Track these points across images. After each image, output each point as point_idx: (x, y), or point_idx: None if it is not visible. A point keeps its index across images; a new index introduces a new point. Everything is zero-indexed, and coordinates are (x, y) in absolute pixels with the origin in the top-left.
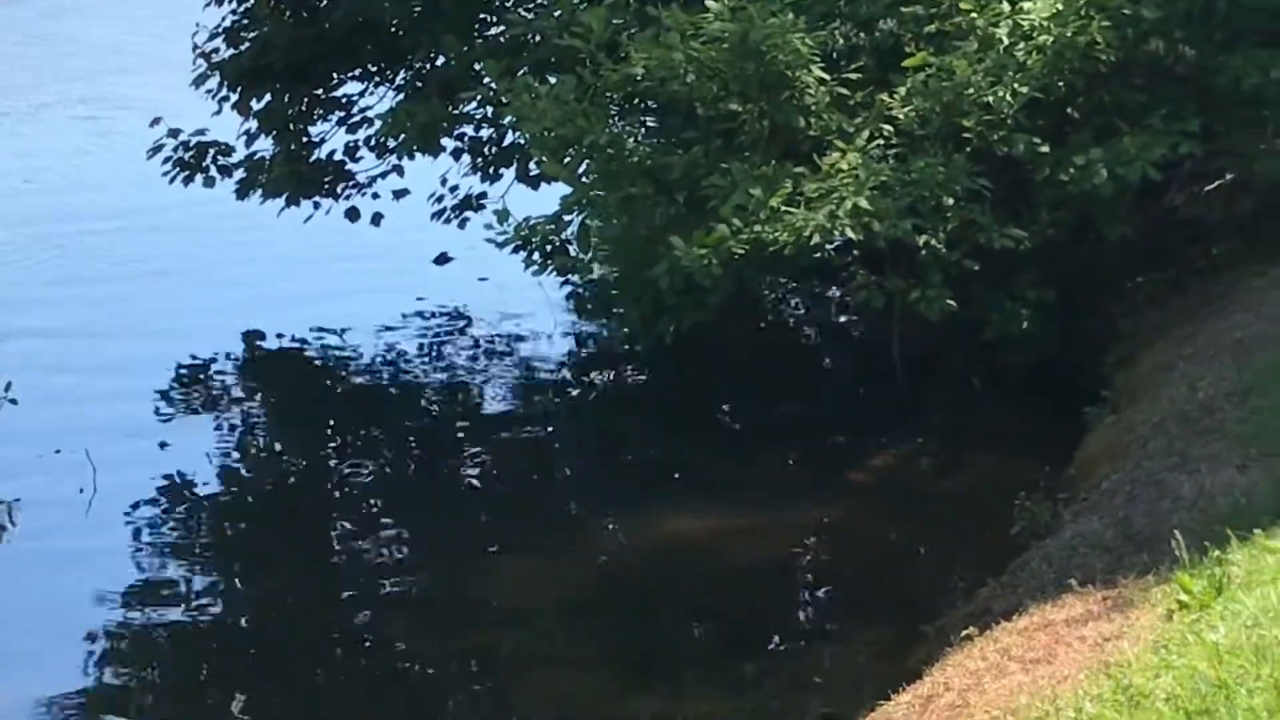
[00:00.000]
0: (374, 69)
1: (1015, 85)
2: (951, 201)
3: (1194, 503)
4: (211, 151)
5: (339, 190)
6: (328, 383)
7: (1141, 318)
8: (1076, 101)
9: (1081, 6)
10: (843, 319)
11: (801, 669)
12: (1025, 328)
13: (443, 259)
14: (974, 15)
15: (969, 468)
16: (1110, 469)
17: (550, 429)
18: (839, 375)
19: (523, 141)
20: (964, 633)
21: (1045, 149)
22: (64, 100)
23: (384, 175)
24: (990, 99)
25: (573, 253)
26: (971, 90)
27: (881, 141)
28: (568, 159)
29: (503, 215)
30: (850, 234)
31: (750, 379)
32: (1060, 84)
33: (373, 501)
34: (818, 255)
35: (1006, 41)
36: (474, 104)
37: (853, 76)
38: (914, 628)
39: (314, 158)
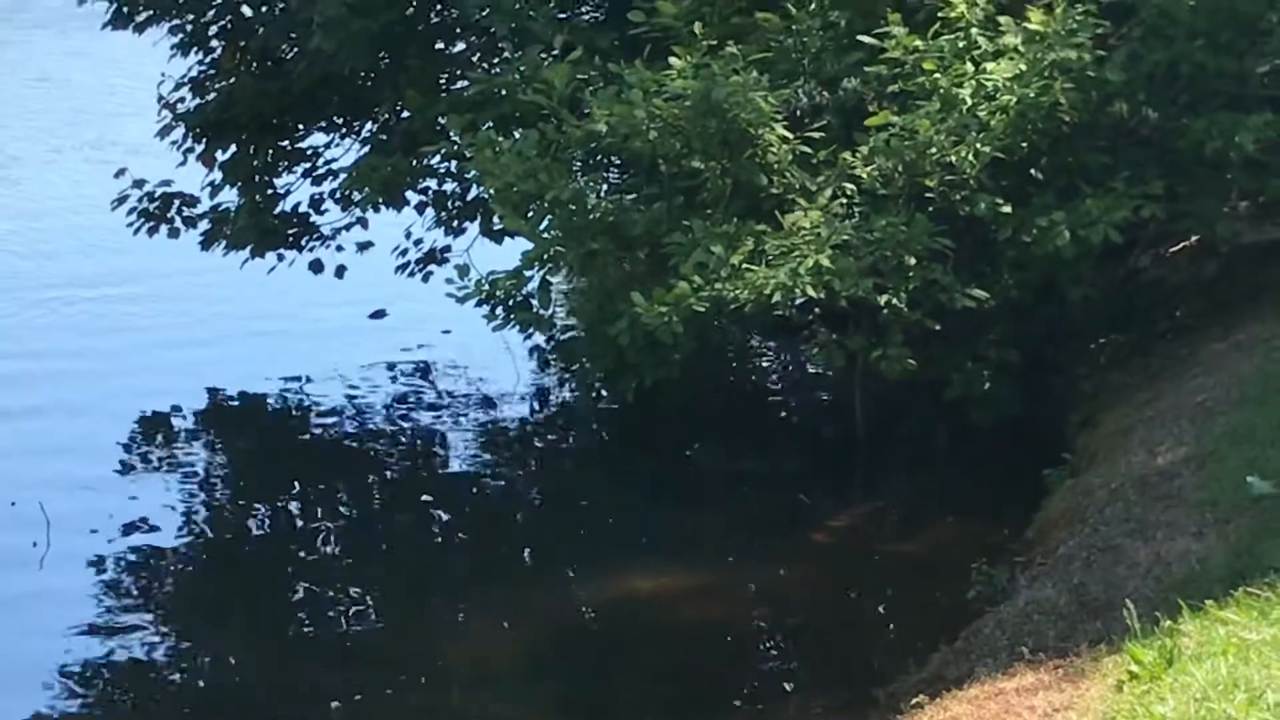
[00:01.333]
0: (339, 121)
1: (978, 145)
2: (913, 261)
3: (1149, 570)
4: (176, 203)
5: (303, 242)
6: (289, 436)
7: (1104, 379)
8: (1040, 162)
9: (1045, 68)
10: (808, 375)
11: None
12: (988, 388)
13: (378, 314)
14: (937, 75)
15: (928, 529)
16: (1068, 533)
17: (513, 484)
18: (802, 433)
19: (486, 196)
20: (915, 700)
21: (1008, 209)
22: (25, 145)
23: (348, 228)
24: (953, 159)
25: (535, 308)
26: (934, 150)
27: (844, 200)
28: (530, 214)
29: (463, 270)
30: (811, 293)
31: (714, 435)
32: (1023, 144)
33: (333, 557)
34: (779, 313)
35: (970, 102)
36: (438, 158)
37: (815, 135)
38: (867, 692)
39: (279, 210)
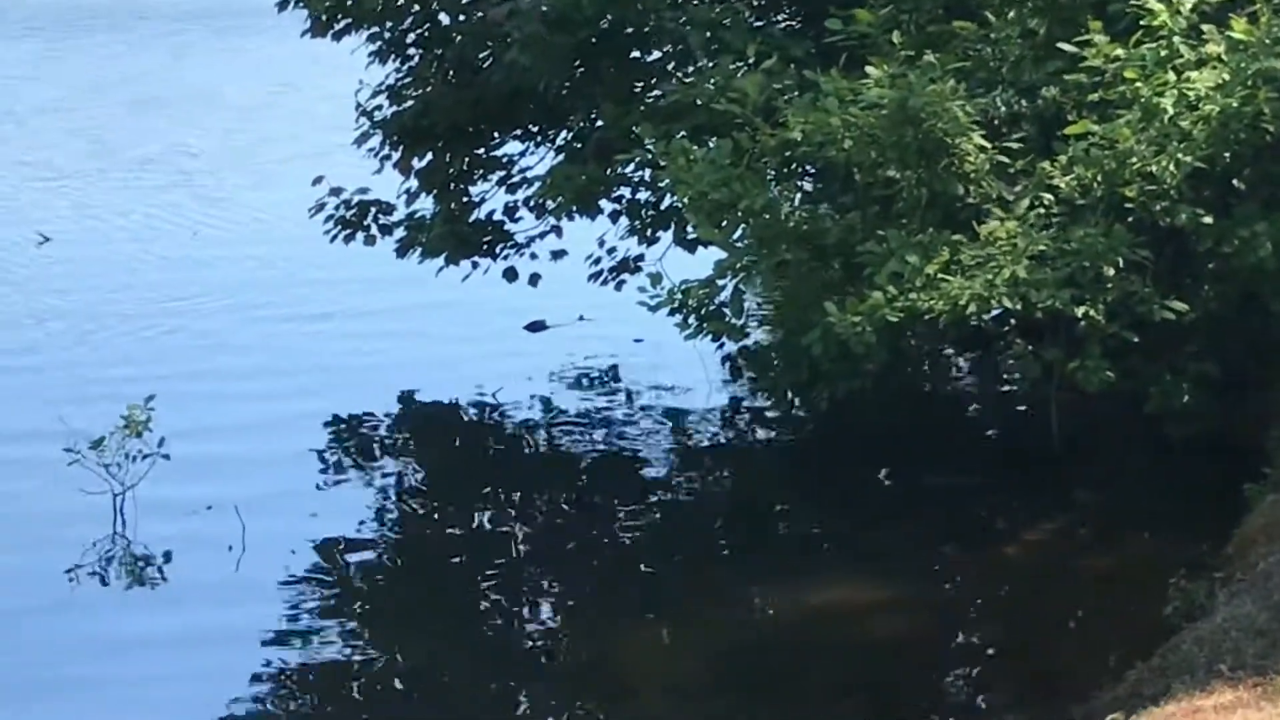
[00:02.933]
0: (534, 129)
1: (1179, 155)
2: (1112, 272)
3: None
4: (373, 210)
5: (497, 250)
6: (481, 443)
7: None
8: (1242, 173)
9: (1249, 77)
10: (1003, 387)
11: None
12: (1186, 401)
13: (537, 326)
14: (1138, 84)
15: (1124, 544)
16: (1268, 549)
17: (702, 494)
18: (996, 446)
19: (679, 205)
20: (1110, 717)
21: (1209, 220)
22: (225, 152)
23: (542, 236)
24: (1153, 169)
25: (727, 317)
26: (1134, 160)
27: (1041, 210)
28: (723, 223)
29: (656, 279)
30: (1007, 304)
31: (906, 447)
32: (1225, 155)
33: (521, 565)
34: (974, 324)
35: (1171, 111)
36: (632, 166)
37: (1013, 144)
38: (1062, 709)
39: (473, 218)
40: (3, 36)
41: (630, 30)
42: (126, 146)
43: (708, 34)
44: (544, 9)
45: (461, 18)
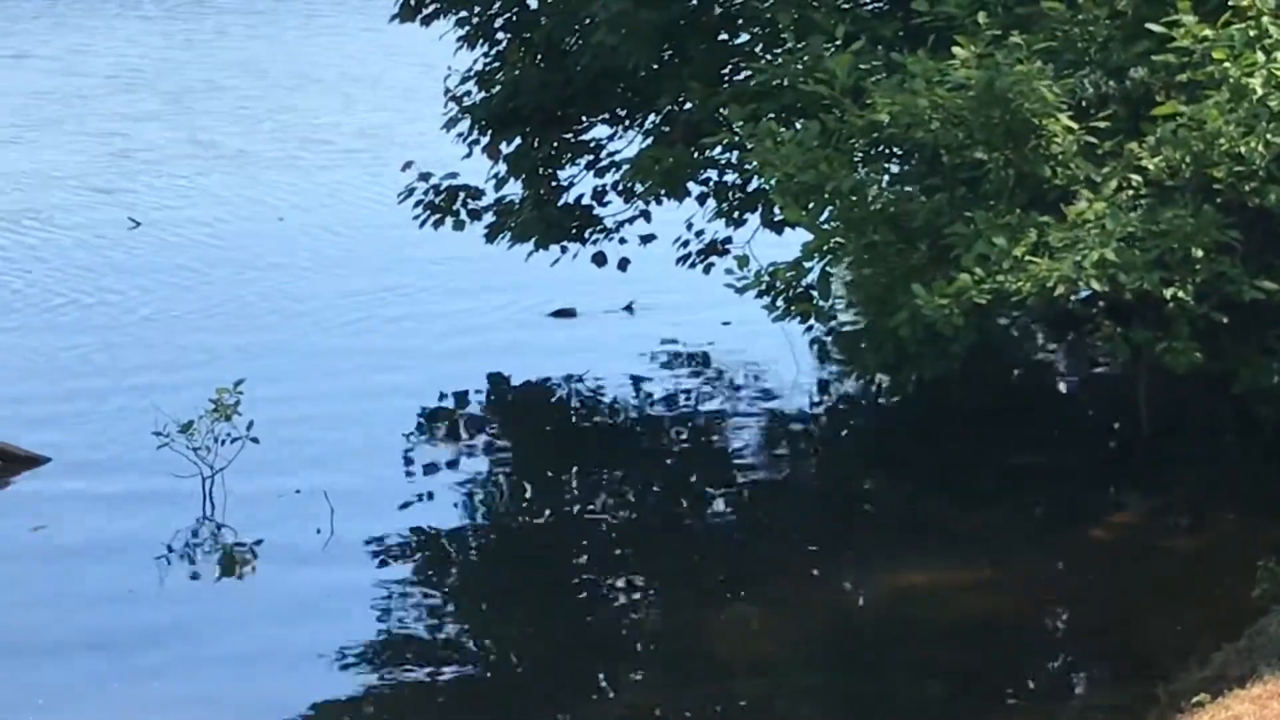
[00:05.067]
0: (621, 113)
1: (1268, 135)
2: (1201, 253)
3: None
4: (461, 195)
5: (586, 235)
6: (570, 423)
7: None
8: None
9: None
10: (1091, 369)
11: None
12: (1276, 382)
13: (565, 313)
14: (1227, 65)
15: (1213, 526)
16: None
17: (790, 476)
18: (1084, 427)
19: (766, 187)
20: (1196, 698)
21: None
22: (316, 136)
23: (631, 220)
24: (1242, 149)
25: (814, 299)
26: (1223, 140)
27: (1129, 191)
28: (810, 205)
29: (743, 261)
30: (1095, 285)
31: (994, 428)
32: None
33: (614, 544)
34: (1062, 306)
35: (1260, 91)
36: (719, 149)
37: (1101, 125)
38: (1148, 690)
39: (561, 202)
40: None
41: (719, 11)
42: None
43: (796, 14)
44: None
45: (548, 0)
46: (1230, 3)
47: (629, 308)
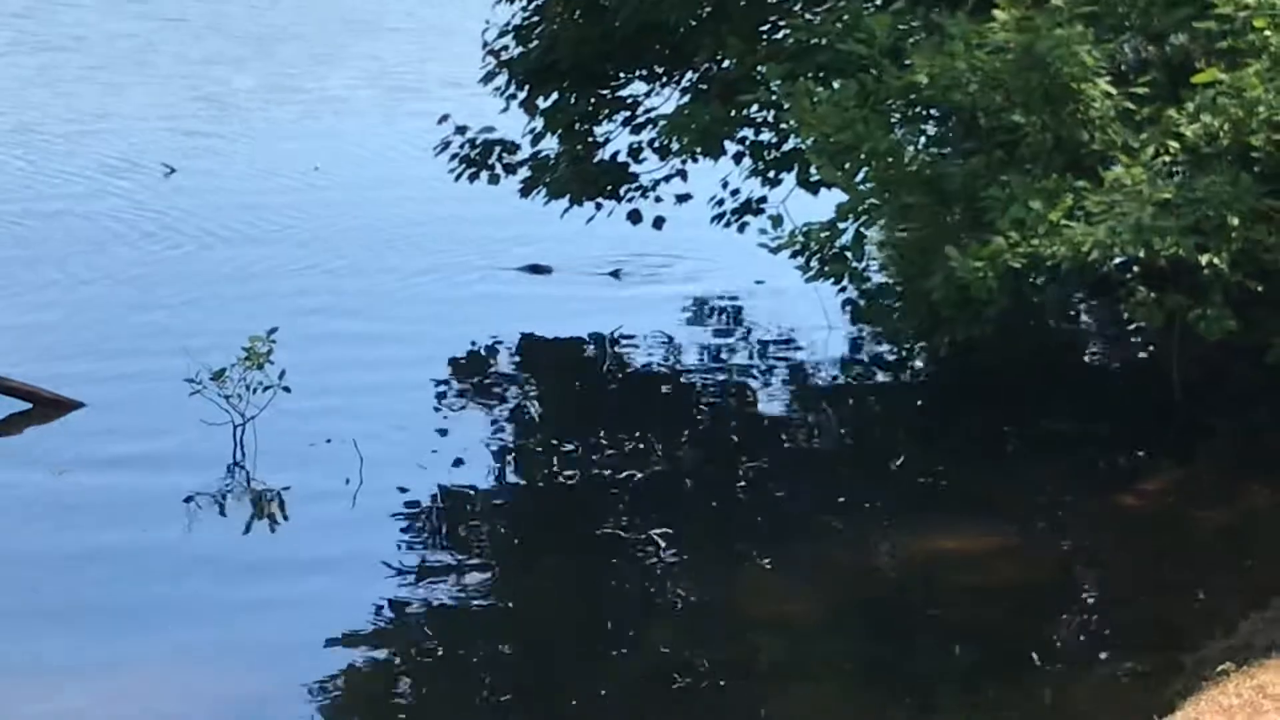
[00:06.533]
0: (659, 70)
1: None
2: (1237, 221)
3: None
4: (497, 149)
5: (621, 192)
6: (600, 380)
7: None
8: None
9: None
10: (1125, 335)
11: (1057, 694)
12: None
13: (540, 269)
14: (1268, 33)
15: (1243, 495)
16: None
17: (821, 438)
18: (1117, 393)
19: (802, 147)
20: (1221, 666)
21: None
22: (354, 87)
23: (667, 179)
24: None
25: (849, 260)
26: (1262, 108)
27: (1167, 158)
28: (846, 166)
29: (777, 220)
30: (1130, 251)
31: (1026, 393)
32: None
33: (642, 503)
34: (1097, 270)
35: None
36: (755, 107)
37: (1140, 91)
38: (1174, 658)
39: (597, 158)
40: None
41: None
42: (244, 83)
43: None
44: None
45: None
46: None
47: (615, 273)
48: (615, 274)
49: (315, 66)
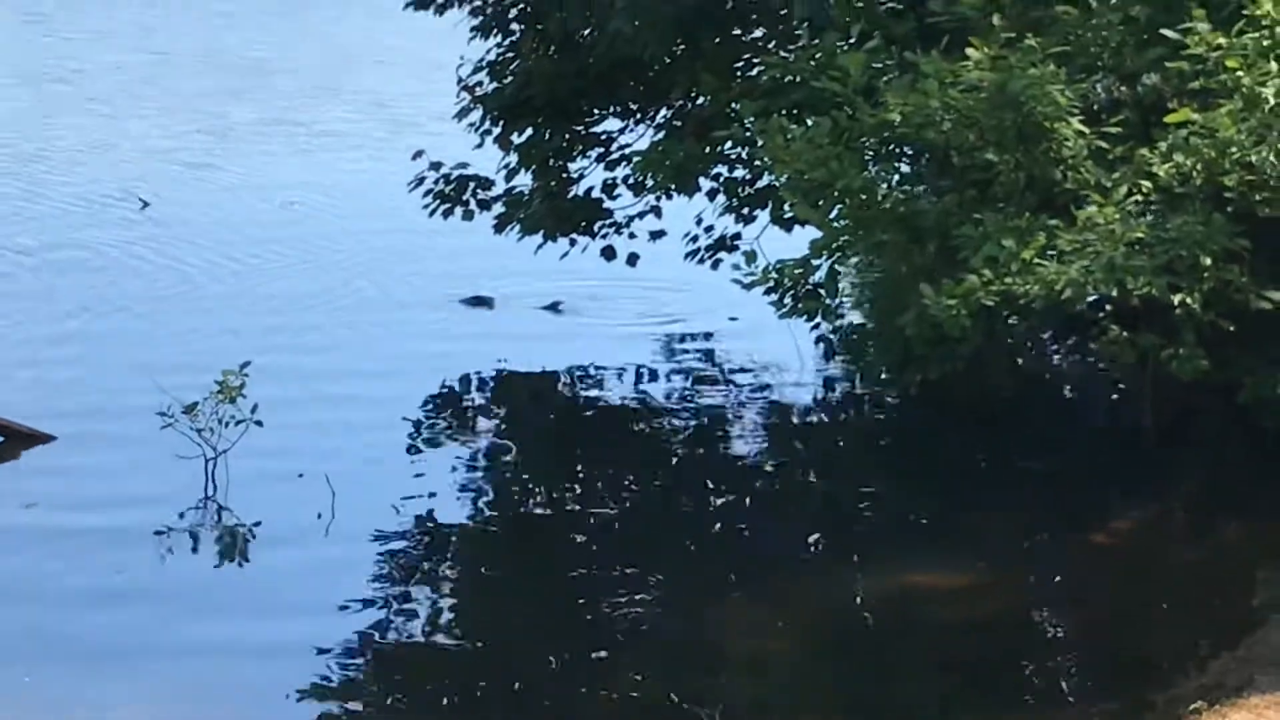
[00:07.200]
0: (634, 106)
1: (1279, 145)
2: (1209, 260)
3: None
4: (472, 185)
5: (595, 228)
6: (573, 416)
7: None
8: None
9: None
10: (1097, 373)
11: None
12: None
13: (480, 301)
14: (1240, 73)
15: (1215, 534)
16: None
17: (794, 473)
18: (1090, 431)
19: (777, 184)
20: (1193, 706)
21: None
22: (343, 121)
23: (641, 215)
24: (1253, 158)
25: (822, 297)
26: (1234, 149)
27: (1139, 197)
28: (820, 203)
29: (750, 256)
30: (1103, 289)
31: (999, 430)
32: None
33: (614, 536)
34: (1070, 309)
35: (1273, 101)
36: (730, 144)
37: (1113, 130)
38: (1145, 697)
39: (572, 194)
40: None
41: (733, 4)
42: (230, 115)
43: (811, 10)
44: None
45: None
46: (1244, 11)
47: (554, 306)
48: (554, 306)
49: (305, 100)
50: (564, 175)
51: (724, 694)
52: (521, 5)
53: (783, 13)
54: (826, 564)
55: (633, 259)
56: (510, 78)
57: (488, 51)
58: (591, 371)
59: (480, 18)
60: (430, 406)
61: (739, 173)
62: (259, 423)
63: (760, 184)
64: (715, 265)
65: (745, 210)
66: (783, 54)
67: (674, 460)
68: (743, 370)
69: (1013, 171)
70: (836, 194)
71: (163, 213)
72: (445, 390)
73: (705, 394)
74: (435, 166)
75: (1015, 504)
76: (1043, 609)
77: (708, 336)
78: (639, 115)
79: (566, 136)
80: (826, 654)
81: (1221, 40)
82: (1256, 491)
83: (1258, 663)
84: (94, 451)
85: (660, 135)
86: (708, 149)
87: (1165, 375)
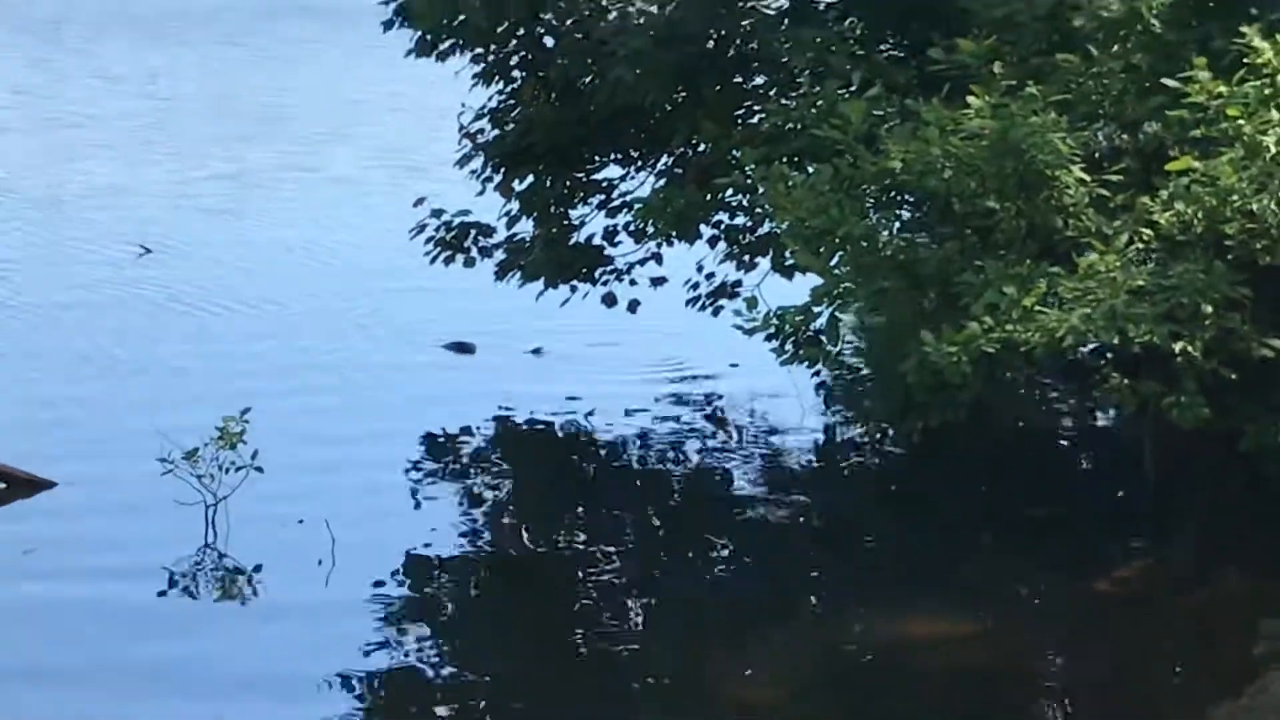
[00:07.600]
0: (635, 153)
1: None
2: (1210, 309)
3: None
4: (473, 232)
5: (597, 275)
6: (574, 460)
7: None
8: None
9: None
10: (1098, 421)
11: None
12: None
13: (463, 348)
14: (1241, 122)
15: (1216, 582)
16: None
17: (794, 521)
18: (1090, 479)
19: (777, 231)
20: None
21: None
22: (353, 167)
23: (642, 262)
24: (1254, 207)
25: (823, 344)
26: (1235, 197)
27: (1140, 245)
28: (821, 250)
29: (752, 303)
30: (1104, 337)
31: (1000, 477)
32: None
33: (612, 582)
34: (1071, 357)
35: (1274, 149)
36: (731, 191)
37: (1114, 178)
38: None
39: (573, 241)
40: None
41: (734, 53)
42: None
43: (812, 58)
44: (650, 31)
45: (570, 37)
46: (1245, 60)
47: (537, 351)
48: (537, 351)
49: (315, 146)
50: (565, 222)
51: None
52: (523, 53)
53: (784, 62)
54: (825, 610)
55: (634, 306)
56: (512, 125)
57: (489, 99)
58: (593, 416)
59: (482, 65)
60: (429, 451)
61: (740, 220)
62: (259, 469)
63: (761, 231)
64: (716, 312)
65: (746, 257)
66: (784, 101)
67: (673, 505)
68: (743, 416)
69: (1014, 219)
70: (837, 241)
71: (166, 258)
72: (444, 434)
73: (706, 439)
74: (437, 214)
75: (1016, 552)
76: (1042, 656)
77: (709, 381)
78: (640, 162)
79: (568, 183)
80: (825, 700)
81: (1222, 89)
82: (1258, 538)
83: (1260, 711)
84: (95, 498)
85: (661, 182)
86: (709, 196)
87: (1166, 423)
